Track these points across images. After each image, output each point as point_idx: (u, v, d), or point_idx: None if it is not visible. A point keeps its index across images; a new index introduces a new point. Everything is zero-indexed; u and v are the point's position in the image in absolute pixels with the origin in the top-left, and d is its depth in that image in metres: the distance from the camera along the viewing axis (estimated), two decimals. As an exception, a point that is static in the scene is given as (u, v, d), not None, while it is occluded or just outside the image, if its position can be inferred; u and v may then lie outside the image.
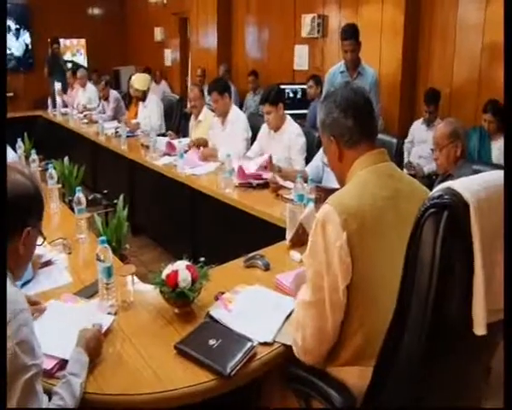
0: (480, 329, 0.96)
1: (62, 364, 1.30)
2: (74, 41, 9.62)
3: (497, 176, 1.04)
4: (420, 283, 0.99)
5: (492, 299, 0.97)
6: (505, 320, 0.96)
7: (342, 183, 1.45)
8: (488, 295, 0.95)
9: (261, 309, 1.59)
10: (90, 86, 6.76)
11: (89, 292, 1.72)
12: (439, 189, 0.99)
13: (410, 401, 1.08)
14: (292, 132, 3.37)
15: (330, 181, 2.79)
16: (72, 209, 2.42)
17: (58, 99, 6.34)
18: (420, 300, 1.00)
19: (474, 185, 0.98)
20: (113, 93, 6.01)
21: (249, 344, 1.37)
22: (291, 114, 3.61)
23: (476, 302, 0.96)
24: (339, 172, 1.45)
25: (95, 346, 1.34)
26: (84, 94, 6.57)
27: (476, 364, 1.18)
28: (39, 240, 1.30)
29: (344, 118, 1.37)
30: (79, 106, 6.15)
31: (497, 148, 3.83)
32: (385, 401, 1.12)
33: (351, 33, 3.70)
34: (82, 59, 9.69)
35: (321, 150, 3.08)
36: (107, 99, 5.94)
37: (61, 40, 8.32)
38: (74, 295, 1.71)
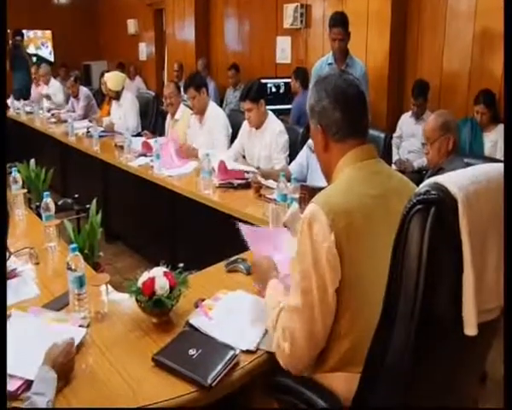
0: (470, 329, 0.97)
1: (28, 384, 1.27)
2: (39, 32, 9.41)
3: (487, 169, 1.05)
4: (407, 283, 1.00)
5: (483, 298, 0.98)
6: (505, 320, 0.98)
7: (326, 173, 1.47)
8: (479, 294, 0.97)
9: (243, 316, 1.59)
10: (53, 82, 6.69)
11: (59, 304, 1.70)
12: (425, 184, 0.99)
13: (400, 403, 1.09)
14: (274, 130, 3.38)
15: (315, 180, 2.81)
16: (40, 216, 2.39)
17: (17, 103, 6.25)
18: (407, 301, 1.00)
19: (462, 179, 0.99)
20: (84, 90, 5.95)
21: (231, 353, 1.38)
22: (274, 110, 3.63)
23: (466, 302, 0.97)
24: (324, 161, 1.47)
25: (63, 361, 1.32)
26: (48, 91, 6.51)
27: (468, 365, 1.20)
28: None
29: (332, 109, 1.37)
30: (43, 104, 6.07)
31: (489, 140, 3.89)
32: (374, 404, 1.13)
33: (340, 21, 3.70)
34: (48, 52, 9.52)
35: (305, 148, 3.11)
36: (76, 96, 5.89)
37: (24, 32, 8.17)
38: (42, 307, 1.68)
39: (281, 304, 1.36)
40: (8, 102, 6.39)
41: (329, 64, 3.81)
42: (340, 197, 1.28)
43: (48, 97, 6.23)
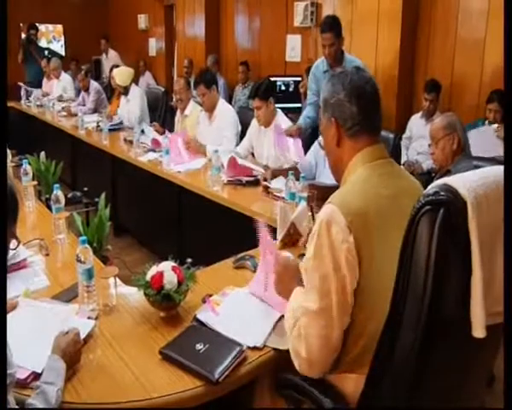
0: (478, 331, 0.97)
1: (36, 374, 1.29)
2: (50, 27, 9.46)
3: (496, 171, 1.04)
4: (415, 284, 1.00)
5: (492, 300, 0.98)
6: (505, 320, 0.98)
7: (336, 170, 1.45)
8: (487, 297, 0.96)
9: (250, 312, 1.60)
10: (64, 76, 6.73)
11: (68, 296, 1.72)
12: (434, 185, 0.99)
13: (406, 404, 1.10)
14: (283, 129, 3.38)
15: (324, 178, 2.82)
16: (50, 208, 2.42)
17: (35, 91, 6.30)
18: (415, 302, 1.01)
19: (472, 181, 0.98)
20: (94, 84, 5.97)
21: (238, 349, 1.38)
22: (283, 108, 3.63)
23: (474, 304, 0.96)
24: (334, 157, 1.44)
25: (72, 351, 1.34)
26: (59, 84, 6.54)
27: (476, 368, 1.20)
28: (13, 244, 1.29)
29: (349, 103, 1.35)
30: (54, 98, 6.11)
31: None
32: (380, 404, 1.13)
33: (329, 25, 3.45)
34: (59, 46, 9.57)
35: (313, 147, 3.11)
36: (87, 90, 5.91)
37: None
38: (52, 299, 1.70)
39: (300, 309, 1.32)
40: (22, 93, 6.44)
41: (325, 72, 3.49)
42: (357, 198, 1.27)
43: (60, 98, 6.25)
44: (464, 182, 0.98)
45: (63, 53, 9.35)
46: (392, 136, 3.12)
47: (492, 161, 2.88)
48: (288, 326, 1.36)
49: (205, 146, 3.72)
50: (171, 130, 4.56)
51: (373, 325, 1.22)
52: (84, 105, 5.82)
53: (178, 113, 4.45)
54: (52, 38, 9.58)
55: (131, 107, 5.03)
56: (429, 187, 1.01)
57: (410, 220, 1.00)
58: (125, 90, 5.07)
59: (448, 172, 2.43)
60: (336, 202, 1.25)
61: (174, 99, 4.38)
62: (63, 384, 1.26)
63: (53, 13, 9.11)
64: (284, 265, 1.55)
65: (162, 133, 4.00)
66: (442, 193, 0.96)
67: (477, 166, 1.94)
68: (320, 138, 2.94)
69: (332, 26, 3.46)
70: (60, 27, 9.57)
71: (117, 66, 5.94)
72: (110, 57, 8.68)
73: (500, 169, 1.07)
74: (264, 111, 3.36)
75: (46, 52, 8.08)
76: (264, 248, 1.64)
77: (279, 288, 1.54)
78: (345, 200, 1.26)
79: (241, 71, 6.42)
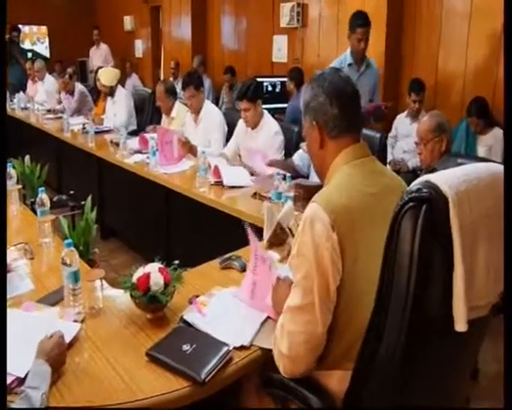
0: (460, 325, 0.98)
1: (20, 380, 1.28)
2: (34, 28, 9.37)
3: (477, 168, 1.07)
4: (399, 279, 1.01)
5: (473, 295, 1.00)
6: (505, 320, 1.00)
7: (320, 171, 1.46)
8: (469, 291, 0.98)
9: (237, 312, 1.60)
10: (48, 78, 6.65)
11: (53, 299, 1.71)
12: (417, 182, 1.01)
13: (393, 402, 1.11)
14: (270, 131, 3.38)
15: (317, 177, 2.83)
16: (35, 212, 2.40)
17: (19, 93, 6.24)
18: (399, 297, 1.02)
19: (454, 178, 1.00)
20: (79, 86, 5.92)
21: (225, 348, 1.39)
22: (270, 109, 3.64)
23: (456, 298, 0.98)
24: (318, 159, 1.45)
25: (57, 354, 1.33)
26: (43, 87, 6.48)
27: (459, 361, 1.22)
28: None
29: (330, 105, 1.36)
30: (38, 102, 6.06)
31: (484, 144, 3.90)
32: (366, 403, 1.14)
33: (366, 20, 3.63)
34: (44, 48, 9.48)
35: (299, 151, 3.13)
36: (72, 93, 5.85)
37: (20, 27, 8.15)
38: (37, 302, 1.69)
39: (285, 307, 1.32)
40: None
41: (349, 65, 3.72)
42: (341, 196, 1.28)
43: (43, 103, 6.19)
44: (446, 179, 1.00)
45: (48, 55, 9.28)
46: (378, 135, 3.14)
47: (475, 159, 2.92)
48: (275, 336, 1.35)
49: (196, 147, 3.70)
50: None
51: (358, 322, 1.23)
52: (65, 110, 5.74)
53: (164, 115, 4.45)
54: (36, 39, 9.50)
55: (117, 109, 5.00)
56: (412, 184, 1.02)
57: (393, 217, 1.02)
58: (111, 91, 5.04)
59: (434, 170, 2.45)
60: (320, 201, 1.26)
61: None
62: (48, 389, 1.25)
63: (37, 14, 9.03)
64: (283, 286, 1.53)
65: None
66: (425, 190, 0.98)
67: (460, 164, 1.96)
68: (302, 144, 2.97)
69: (368, 20, 3.63)
70: (44, 29, 9.49)
71: (102, 67, 5.90)
72: (101, 49, 8.57)
73: (481, 166, 1.09)
74: (252, 113, 3.35)
75: (30, 54, 8.01)
76: (255, 258, 1.63)
77: (278, 309, 1.48)
78: (328, 198, 1.28)
79: (227, 78, 6.35)
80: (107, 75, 5.05)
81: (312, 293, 1.23)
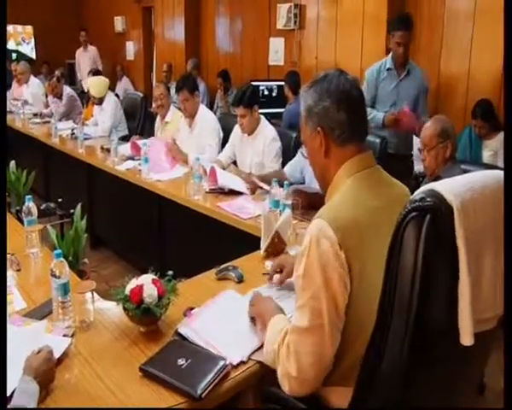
0: (466, 339, 0.98)
1: (8, 397, 1.26)
2: (19, 27, 9.22)
3: (483, 176, 1.07)
4: (402, 291, 1.01)
5: (480, 307, 1.00)
6: (505, 320, 1.00)
7: (324, 181, 1.43)
8: (475, 303, 0.98)
9: (234, 324, 1.60)
10: (33, 80, 6.57)
11: (41, 313, 1.70)
12: (420, 191, 1.01)
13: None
14: (267, 137, 3.39)
15: (315, 183, 2.83)
16: (21, 221, 2.39)
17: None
18: (401, 311, 1.02)
19: (458, 186, 1.01)
20: (68, 89, 5.87)
21: (222, 363, 1.39)
22: (266, 113, 3.64)
23: (462, 311, 0.98)
24: (321, 168, 1.42)
25: (45, 370, 1.32)
26: (28, 90, 6.42)
27: (465, 376, 1.22)
28: None
29: (336, 110, 1.33)
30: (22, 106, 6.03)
31: (489, 149, 3.91)
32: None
33: (406, 23, 3.54)
34: (29, 49, 9.38)
35: (297, 156, 3.13)
36: (60, 97, 5.83)
37: (2, 25, 8.13)
38: (24, 316, 1.68)
39: (285, 327, 1.33)
40: None
41: (388, 70, 3.66)
42: (348, 211, 1.26)
43: (25, 102, 6.16)
44: (451, 187, 1.00)
45: (34, 56, 9.22)
46: (378, 141, 3.16)
47: (481, 165, 2.93)
48: (273, 352, 1.34)
49: (186, 154, 3.71)
50: (151, 137, 4.54)
51: (363, 338, 1.21)
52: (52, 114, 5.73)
53: (158, 119, 4.44)
54: (21, 39, 9.37)
55: (104, 117, 4.99)
56: (416, 193, 1.02)
57: (396, 227, 1.02)
58: (100, 101, 5.04)
59: (438, 178, 2.46)
60: (326, 217, 1.24)
61: (154, 105, 4.36)
62: (36, 407, 1.24)
63: (22, 13, 8.82)
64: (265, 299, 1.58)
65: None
66: (428, 199, 0.98)
67: (466, 172, 1.97)
68: (302, 149, 2.96)
69: (408, 23, 3.55)
70: (30, 28, 9.35)
71: (96, 71, 5.89)
72: (89, 51, 8.56)
73: (487, 174, 1.10)
74: (249, 119, 3.35)
75: (14, 55, 7.93)
76: None
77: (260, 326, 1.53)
78: (334, 215, 1.25)
79: (219, 82, 6.35)
80: (96, 87, 5.02)
81: (321, 314, 1.22)
